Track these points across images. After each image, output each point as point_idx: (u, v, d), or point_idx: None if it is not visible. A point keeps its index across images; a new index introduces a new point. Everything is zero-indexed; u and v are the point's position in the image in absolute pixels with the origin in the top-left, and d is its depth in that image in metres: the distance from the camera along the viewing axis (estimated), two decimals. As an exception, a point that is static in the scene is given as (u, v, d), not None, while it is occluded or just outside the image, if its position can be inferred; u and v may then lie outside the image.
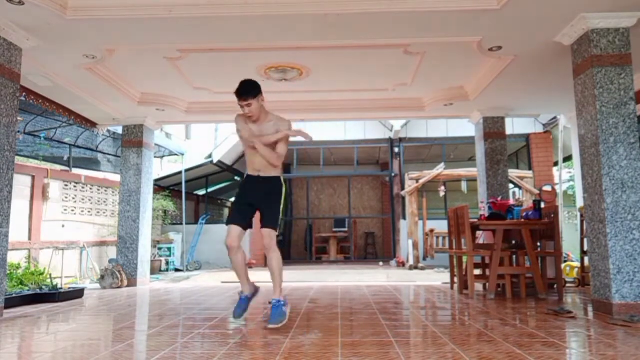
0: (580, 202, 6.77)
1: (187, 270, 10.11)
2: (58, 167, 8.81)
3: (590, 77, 4.03)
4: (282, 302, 3.42)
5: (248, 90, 3.44)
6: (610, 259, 3.79)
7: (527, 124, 10.98)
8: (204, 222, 10.95)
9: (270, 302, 3.44)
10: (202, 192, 14.36)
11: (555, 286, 5.13)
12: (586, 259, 5.59)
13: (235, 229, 3.49)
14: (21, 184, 7.11)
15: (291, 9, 3.92)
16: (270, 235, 3.49)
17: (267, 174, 3.58)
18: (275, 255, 3.49)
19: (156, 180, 10.35)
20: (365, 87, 6.17)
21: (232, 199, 3.52)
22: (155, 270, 8.98)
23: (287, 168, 13.31)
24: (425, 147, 12.37)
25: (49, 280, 5.93)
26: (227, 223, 3.54)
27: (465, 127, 9.64)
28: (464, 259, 5.34)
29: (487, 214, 5.35)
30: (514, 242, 5.52)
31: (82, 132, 8.89)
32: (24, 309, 4.54)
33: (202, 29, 4.27)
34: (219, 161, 11.39)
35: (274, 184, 3.59)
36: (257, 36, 4.44)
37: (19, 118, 4.50)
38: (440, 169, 10.13)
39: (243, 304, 3.59)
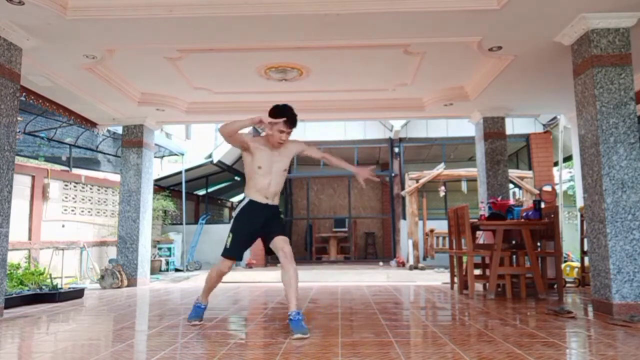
0: (580, 202, 6.77)
1: (187, 270, 10.12)
2: (58, 167, 8.81)
3: (590, 77, 4.03)
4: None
5: (296, 122, 3.44)
6: (610, 259, 3.79)
7: (527, 124, 10.99)
8: (204, 222, 10.95)
9: (290, 317, 3.14)
10: (202, 192, 14.37)
11: (555, 286, 5.13)
12: (586, 259, 5.60)
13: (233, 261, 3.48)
14: (21, 184, 7.11)
15: (291, 9, 3.92)
16: (287, 242, 3.38)
17: (275, 203, 3.49)
18: (294, 267, 3.30)
19: (156, 180, 10.35)
20: (365, 87, 6.17)
21: (233, 227, 3.38)
22: (155, 270, 8.99)
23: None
24: (425, 147, 12.37)
25: (49, 280, 5.93)
26: (234, 253, 3.42)
27: (465, 127, 9.64)
28: (464, 259, 5.34)
29: (487, 214, 5.34)
30: (514, 242, 5.52)
31: (82, 132, 8.90)
32: (24, 309, 4.54)
33: (202, 29, 4.26)
34: (219, 161, 11.39)
35: (278, 210, 3.54)
36: (257, 36, 4.44)
37: (19, 118, 4.50)
38: (440, 169, 10.13)
39: (202, 313, 3.67)
